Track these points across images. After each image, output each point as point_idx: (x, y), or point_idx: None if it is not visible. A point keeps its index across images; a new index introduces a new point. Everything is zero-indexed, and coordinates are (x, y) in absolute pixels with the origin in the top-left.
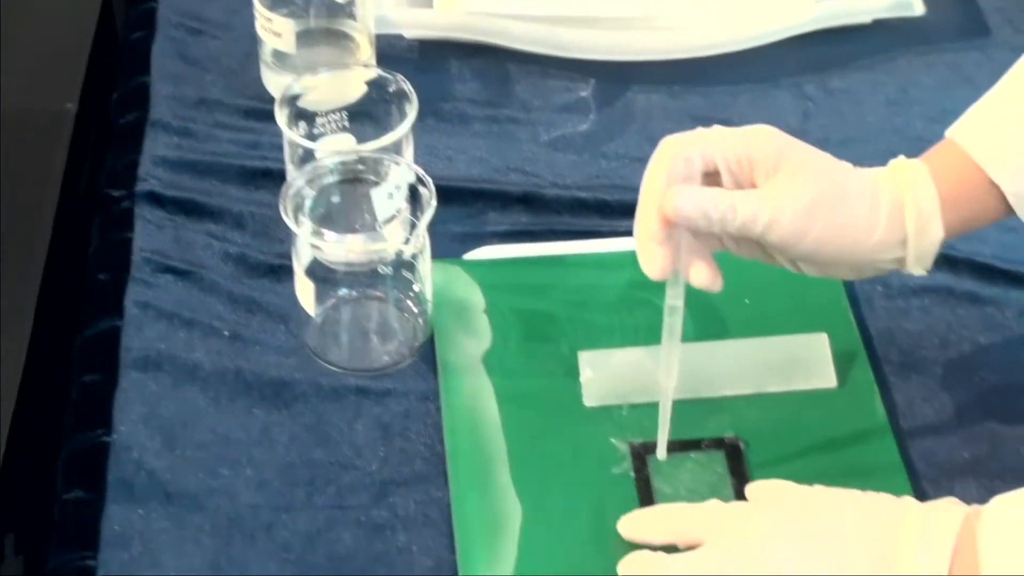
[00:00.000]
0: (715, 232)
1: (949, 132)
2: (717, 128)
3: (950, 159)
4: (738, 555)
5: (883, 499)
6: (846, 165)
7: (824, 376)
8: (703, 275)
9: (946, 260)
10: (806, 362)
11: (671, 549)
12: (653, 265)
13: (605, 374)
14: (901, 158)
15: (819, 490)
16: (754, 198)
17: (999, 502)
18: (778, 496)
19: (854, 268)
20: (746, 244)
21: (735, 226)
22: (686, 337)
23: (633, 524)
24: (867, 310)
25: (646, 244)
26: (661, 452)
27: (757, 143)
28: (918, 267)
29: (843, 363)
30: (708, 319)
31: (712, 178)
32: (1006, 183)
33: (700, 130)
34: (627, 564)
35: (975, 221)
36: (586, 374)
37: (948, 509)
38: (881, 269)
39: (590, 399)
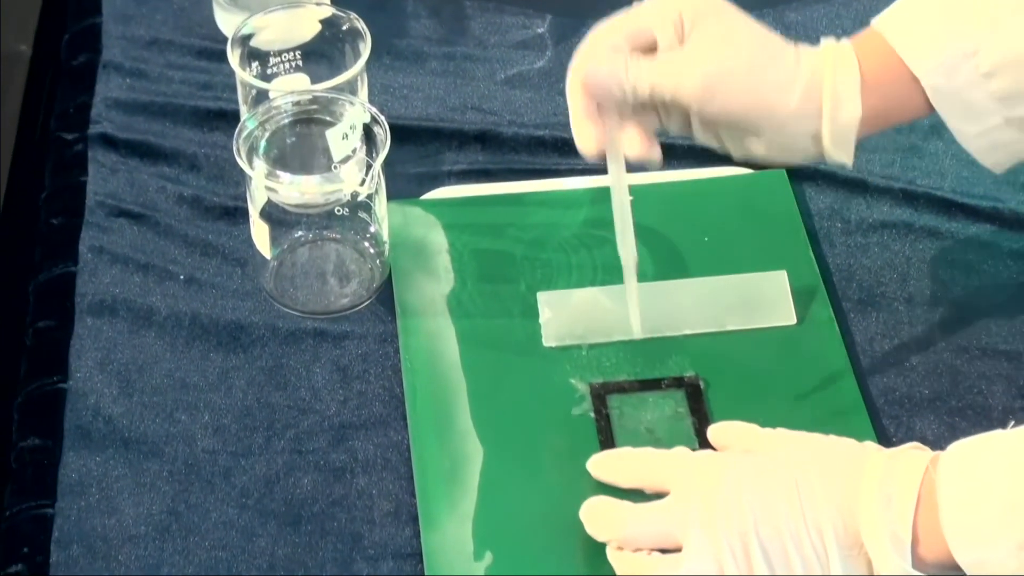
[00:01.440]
0: (631, 101)
1: (875, 21)
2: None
3: (874, 46)
4: (701, 506)
5: (845, 447)
6: (775, 37)
7: (784, 313)
8: (636, 144)
9: (905, 195)
10: (766, 299)
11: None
12: (586, 142)
13: (564, 314)
14: (831, 39)
15: (781, 435)
16: (664, 59)
17: (956, 448)
18: (741, 442)
19: (774, 143)
20: (675, 116)
21: (646, 89)
22: (645, 277)
23: (602, 465)
24: (826, 246)
25: (577, 122)
26: (636, 328)
27: (685, 3)
28: (837, 150)
29: (802, 300)
30: (667, 258)
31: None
32: (925, 76)
33: (633, 7)
34: (589, 508)
35: (895, 112)
36: (545, 314)
37: (910, 458)
38: (804, 151)
39: (549, 339)
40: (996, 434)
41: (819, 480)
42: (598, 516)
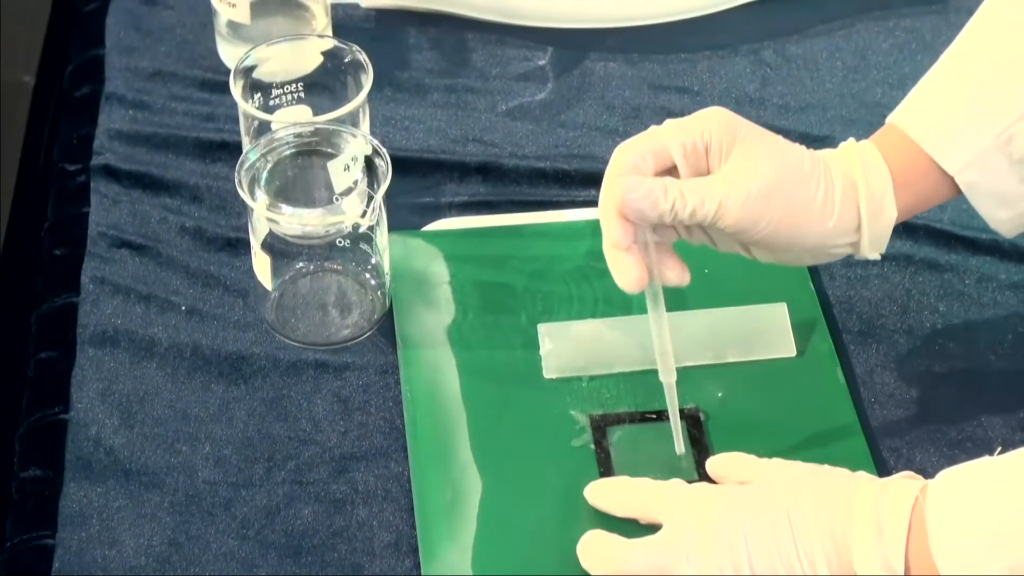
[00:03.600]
0: (667, 222)
1: (893, 117)
2: (668, 122)
3: (897, 142)
4: (695, 539)
5: (837, 477)
6: (798, 148)
7: (784, 346)
8: (675, 274)
9: (905, 228)
10: (766, 332)
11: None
12: (627, 277)
13: (564, 346)
14: (851, 141)
15: (777, 464)
16: (704, 184)
17: (945, 476)
18: (737, 472)
19: (808, 253)
20: (697, 232)
21: (686, 213)
22: (646, 309)
23: (599, 493)
24: (826, 278)
25: (614, 255)
26: (679, 448)
27: (707, 127)
28: (872, 251)
29: (803, 332)
30: (668, 290)
31: (672, 174)
32: (960, 174)
33: (652, 128)
34: (586, 543)
35: (928, 201)
36: (546, 346)
37: (901, 487)
38: (834, 255)
39: (550, 371)
40: (984, 460)
41: (811, 510)
42: (594, 551)
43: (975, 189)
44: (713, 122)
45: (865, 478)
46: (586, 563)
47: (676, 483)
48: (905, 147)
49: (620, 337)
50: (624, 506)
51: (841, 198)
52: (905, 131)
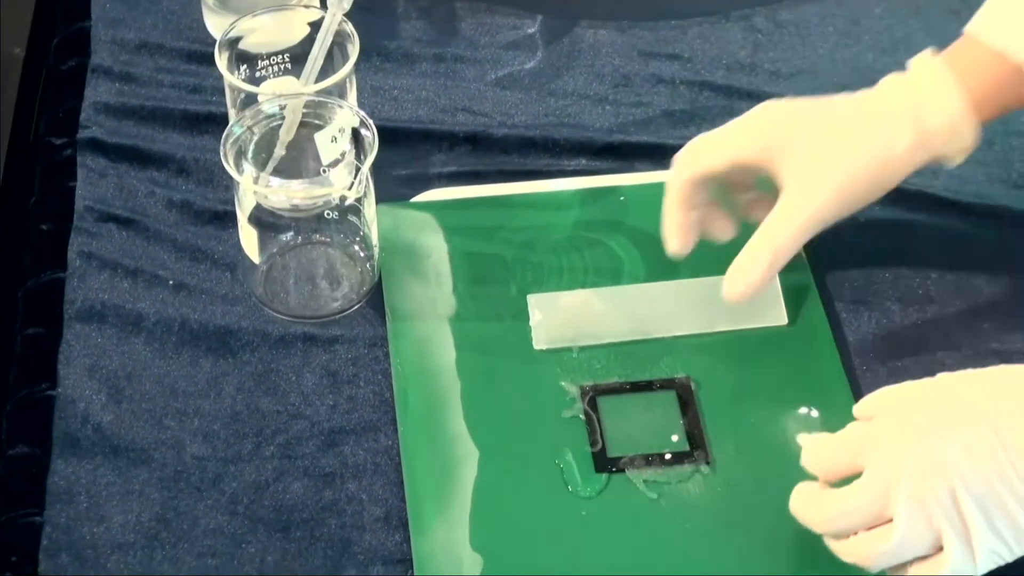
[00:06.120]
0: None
1: (969, 28)
2: (718, 134)
3: (975, 56)
4: (902, 474)
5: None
6: (859, 106)
7: (775, 314)
8: (729, 228)
9: (897, 194)
10: (757, 300)
11: None
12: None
13: (554, 317)
14: (923, 59)
15: (952, 381)
16: (787, 216)
17: None
18: (897, 402)
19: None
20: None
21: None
22: (636, 278)
23: (809, 456)
24: (818, 246)
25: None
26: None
27: (765, 140)
28: (956, 161)
29: (795, 300)
30: (658, 260)
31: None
32: None
33: (703, 144)
34: (799, 498)
35: (1010, 108)
36: (535, 317)
37: None
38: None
39: (540, 342)
40: None
41: (1015, 413)
42: (809, 505)
43: None
44: (764, 128)
45: None
46: (806, 520)
47: (856, 426)
48: (983, 59)
49: (609, 308)
50: (831, 469)
51: (912, 146)
52: (981, 39)
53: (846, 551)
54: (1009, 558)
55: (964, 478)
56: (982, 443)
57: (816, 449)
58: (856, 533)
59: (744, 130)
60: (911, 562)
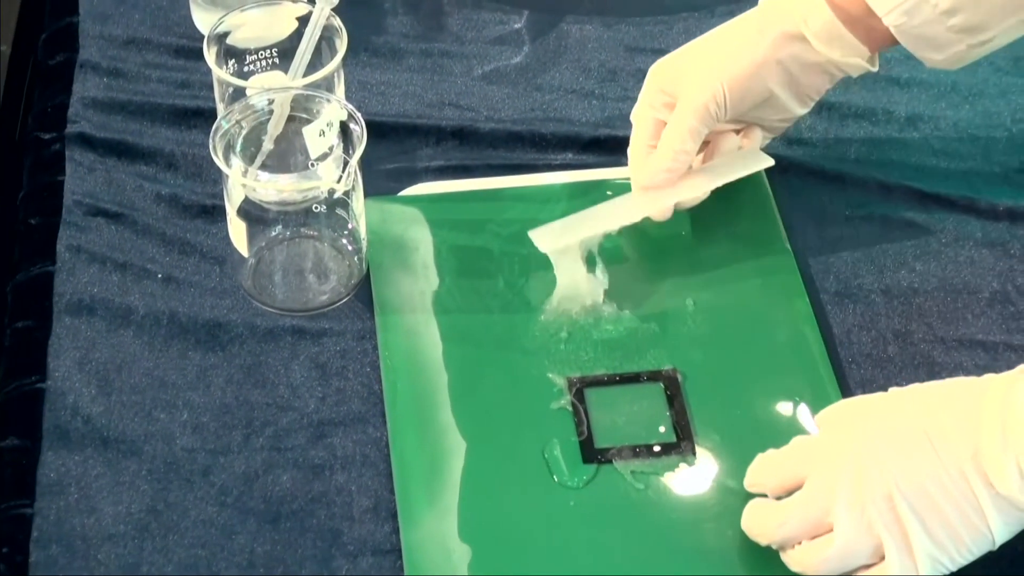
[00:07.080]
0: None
1: None
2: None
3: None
4: (840, 483)
5: (964, 386)
6: (728, 24)
7: (759, 160)
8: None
9: (881, 187)
10: (740, 153)
11: None
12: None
13: (555, 225)
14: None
15: (896, 396)
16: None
17: None
18: (849, 414)
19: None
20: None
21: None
22: (619, 258)
23: (755, 477)
24: (803, 240)
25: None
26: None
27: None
28: (854, 71)
29: (780, 293)
30: (645, 252)
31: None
32: (887, 17)
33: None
34: (748, 516)
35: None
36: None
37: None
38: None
39: (543, 245)
40: None
41: (950, 424)
42: (756, 521)
43: (902, 31)
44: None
45: (991, 378)
46: (753, 534)
47: (800, 440)
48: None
49: (603, 206)
50: (777, 483)
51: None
52: None
53: (793, 560)
54: (951, 566)
55: (899, 484)
56: (916, 450)
57: (761, 465)
58: (800, 543)
59: (649, 93)
60: (856, 571)
